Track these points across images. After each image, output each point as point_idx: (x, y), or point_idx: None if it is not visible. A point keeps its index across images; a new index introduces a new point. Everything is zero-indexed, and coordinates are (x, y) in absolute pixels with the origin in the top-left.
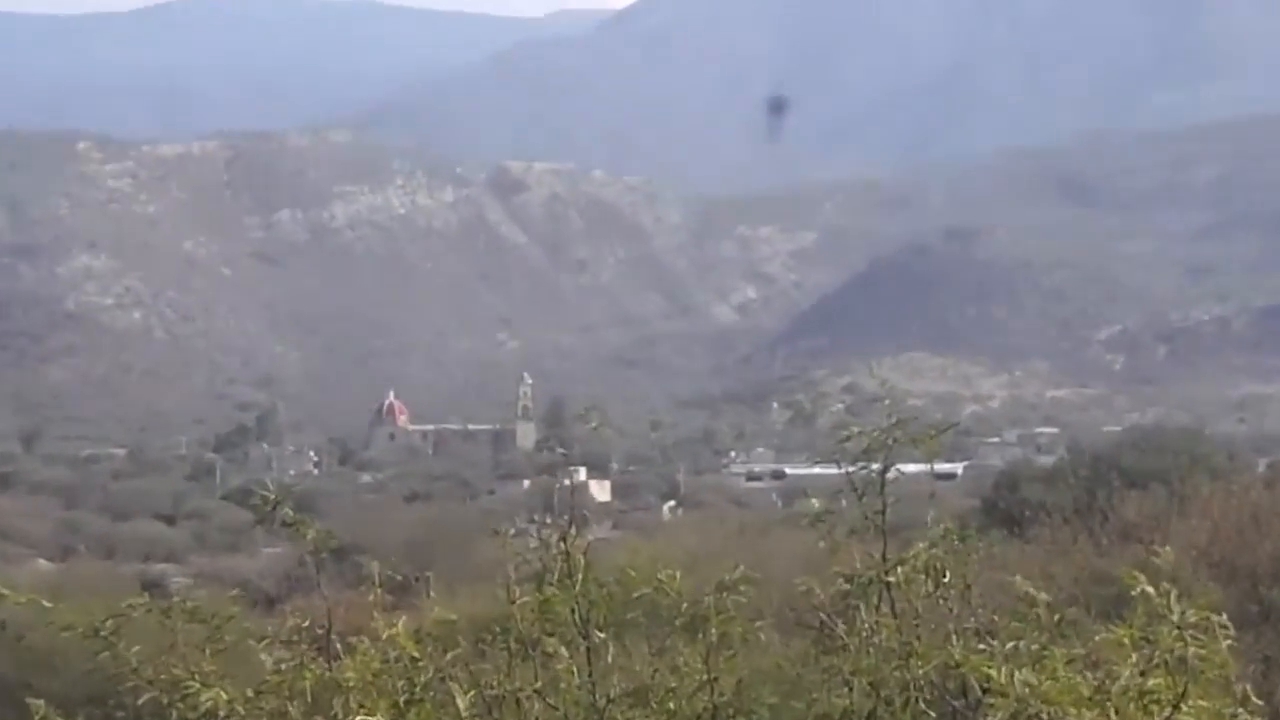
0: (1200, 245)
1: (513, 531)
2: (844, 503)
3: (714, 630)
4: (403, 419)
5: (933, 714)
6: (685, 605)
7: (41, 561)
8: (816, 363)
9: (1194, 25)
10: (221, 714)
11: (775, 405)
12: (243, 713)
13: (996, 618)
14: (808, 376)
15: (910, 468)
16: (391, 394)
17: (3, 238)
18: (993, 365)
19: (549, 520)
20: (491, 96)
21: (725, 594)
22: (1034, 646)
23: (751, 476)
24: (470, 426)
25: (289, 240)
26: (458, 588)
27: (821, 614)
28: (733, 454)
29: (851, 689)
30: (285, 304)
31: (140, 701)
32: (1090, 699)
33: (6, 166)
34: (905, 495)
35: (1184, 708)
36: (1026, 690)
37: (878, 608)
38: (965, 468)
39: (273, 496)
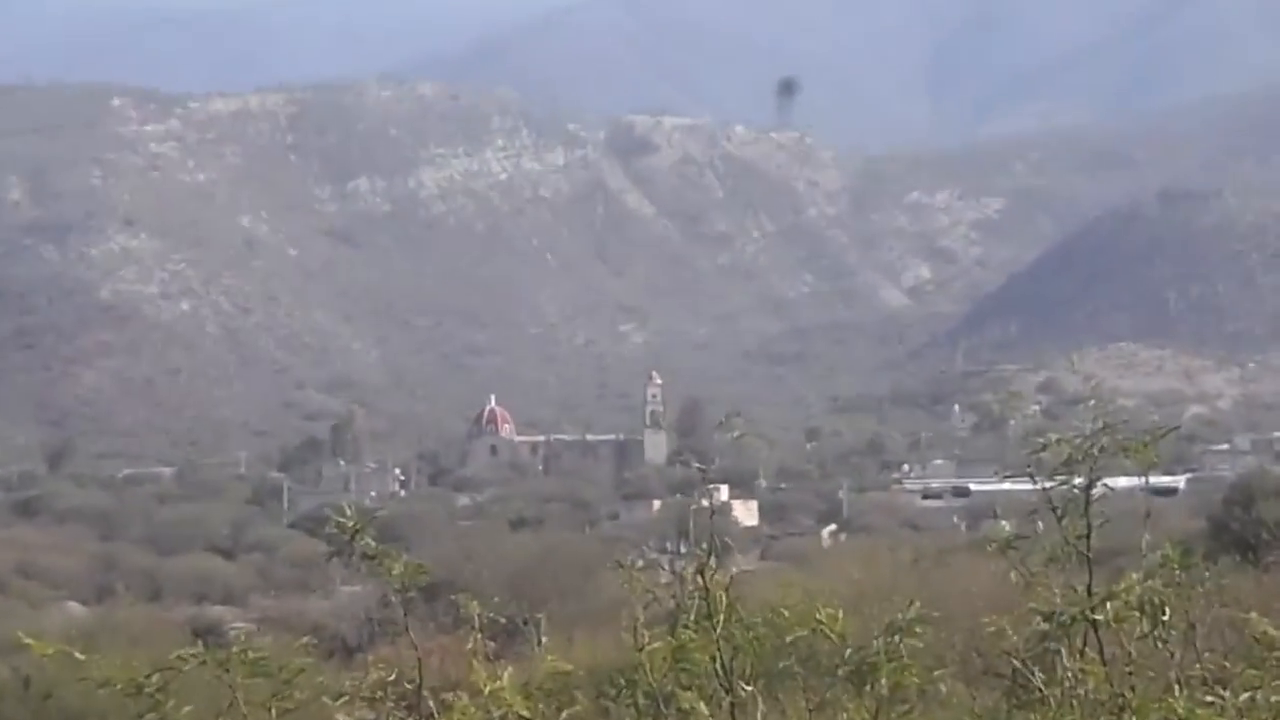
0: None
1: (640, 563)
2: (1041, 525)
3: (884, 681)
4: (506, 429)
5: None
6: (849, 651)
7: (73, 604)
8: (1006, 356)
9: None
10: None
11: (956, 408)
12: None
13: (1228, 663)
14: (995, 373)
15: (1122, 482)
16: (493, 399)
17: (24, 214)
18: (1221, 357)
19: (684, 550)
20: (611, 38)
21: (898, 637)
22: (1275, 698)
23: (928, 494)
24: (588, 437)
25: (367, 214)
26: (574, 632)
27: (1014, 660)
28: (905, 467)
29: None
30: (364, 291)
31: None
32: None
33: (27, 128)
34: (1116, 515)
35: None
36: None
37: (1082, 652)
38: (1189, 481)
39: (352, 523)
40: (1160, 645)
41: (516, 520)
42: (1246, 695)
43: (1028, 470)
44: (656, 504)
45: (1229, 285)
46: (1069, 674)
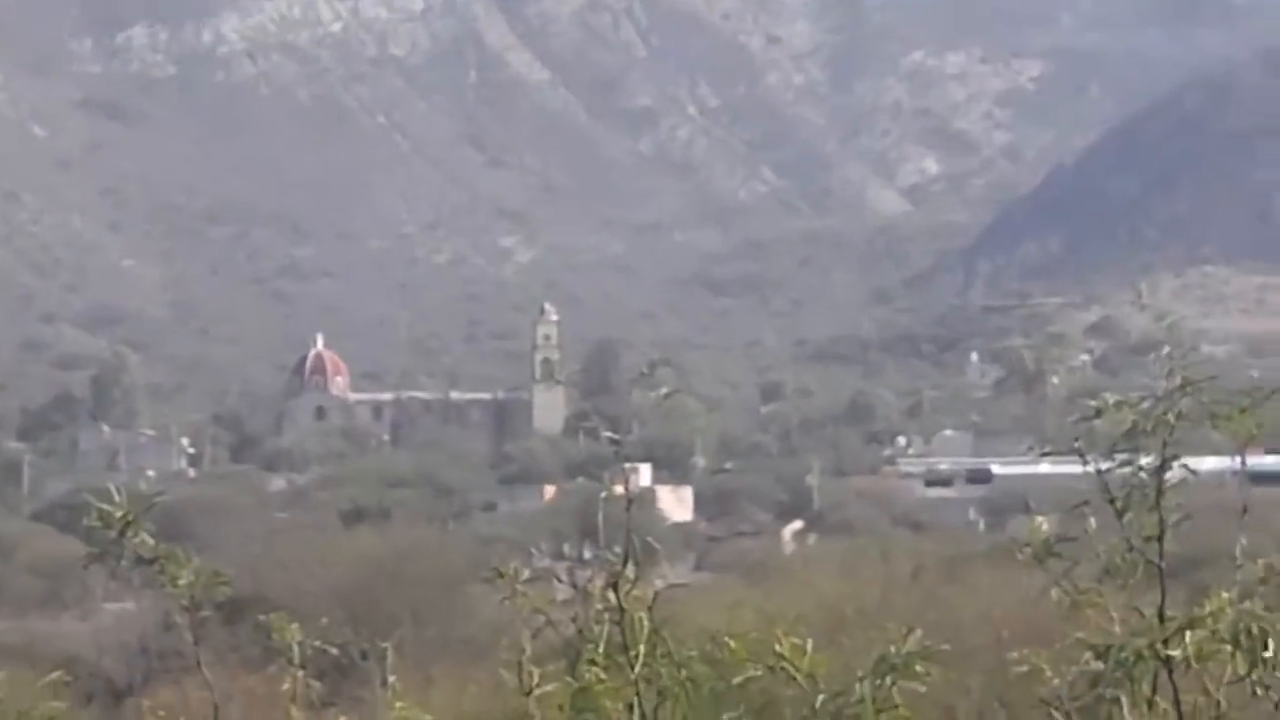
0: None
1: (528, 573)
2: (1092, 523)
3: None
4: (340, 382)
5: None
6: (823, 698)
7: None
8: (1044, 286)
9: None
10: None
11: (974, 358)
12: None
13: None
14: (1029, 308)
15: (1209, 463)
16: (319, 340)
17: None
18: None
19: (589, 554)
20: None
21: (890, 679)
22: None
23: (934, 479)
24: (454, 395)
25: (143, 77)
26: (434, 669)
27: (1056, 713)
28: (902, 441)
29: None
30: (140, 186)
31: None
32: None
33: None
34: (1200, 510)
35: None
36: None
37: (1151, 702)
38: None
39: (122, 512)
40: (1261, 692)
41: (353, 511)
42: None
43: (1074, 446)
44: (550, 490)
45: None
46: None
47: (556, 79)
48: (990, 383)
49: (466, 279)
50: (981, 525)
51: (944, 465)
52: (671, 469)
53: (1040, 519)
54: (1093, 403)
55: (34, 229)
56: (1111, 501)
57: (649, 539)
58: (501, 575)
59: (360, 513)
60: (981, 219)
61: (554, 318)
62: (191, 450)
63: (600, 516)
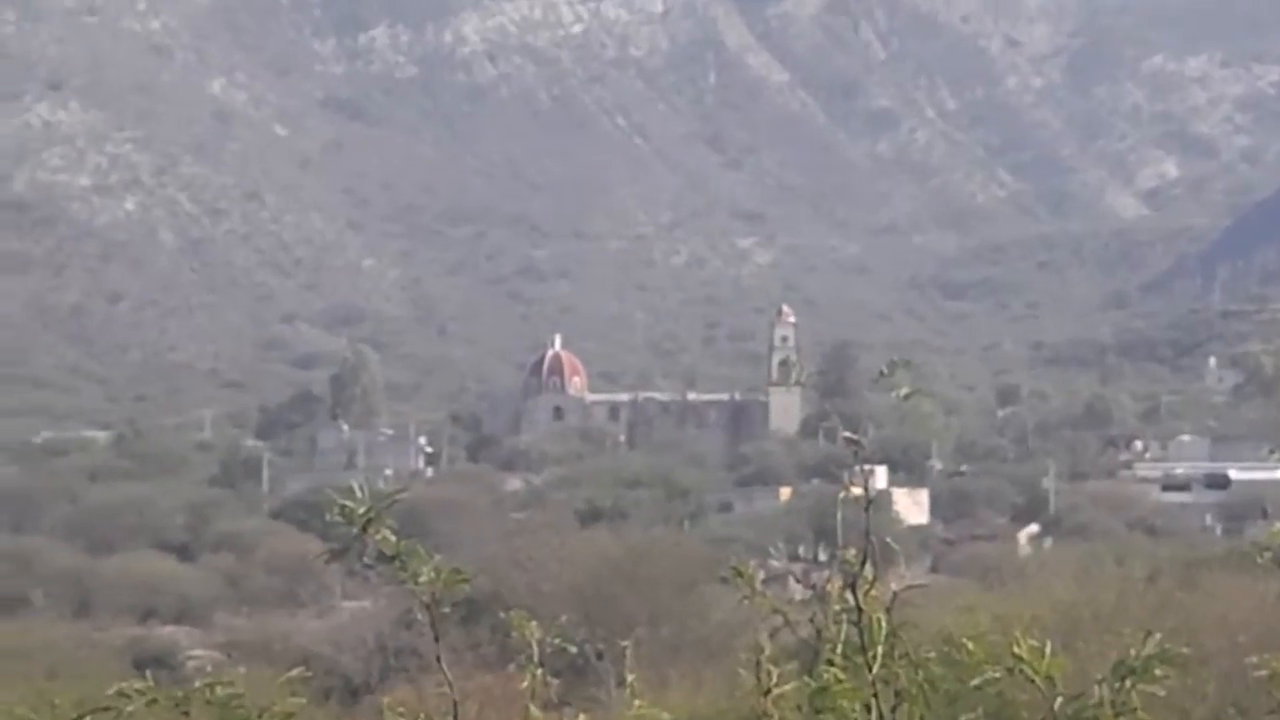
0: None
1: (763, 574)
2: (1275, 531)
3: None
4: (577, 382)
5: None
6: (1061, 701)
7: None
8: None
9: None
10: None
11: (1212, 362)
12: None
13: None
14: (1269, 313)
15: None
16: (557, 340)
17: None
18: None
19: (825, 556)
20: None
21: (1129, 682)
22: None
23: (1171, 484)
24: (691, 396)
25: (385, 78)
26: (670, 669)
27: None
28: (1139, 446)
29: None
30: (379, 187)
31: None
32: None
33: None
34: None
35: None
36: None
37: None
38: None
39: (363, 509)
40: None
41: (589, 512)
42: None
43: None
44: (786, 492)
45: None
46: None
47: (795, 81)
48: (1228, 388)
49: (704, 280)
50: (1218, 530)
51: (1181, 470)
52: (908, 471)
53: (1279, 523)
54: None
55: (274, 228)
56: None
57: (886, 540)
58: (740, 575)
59: (596, 513)
60: (1220, 223)
61: (791, 319)
62: (429, 449)
63: (838, 518)
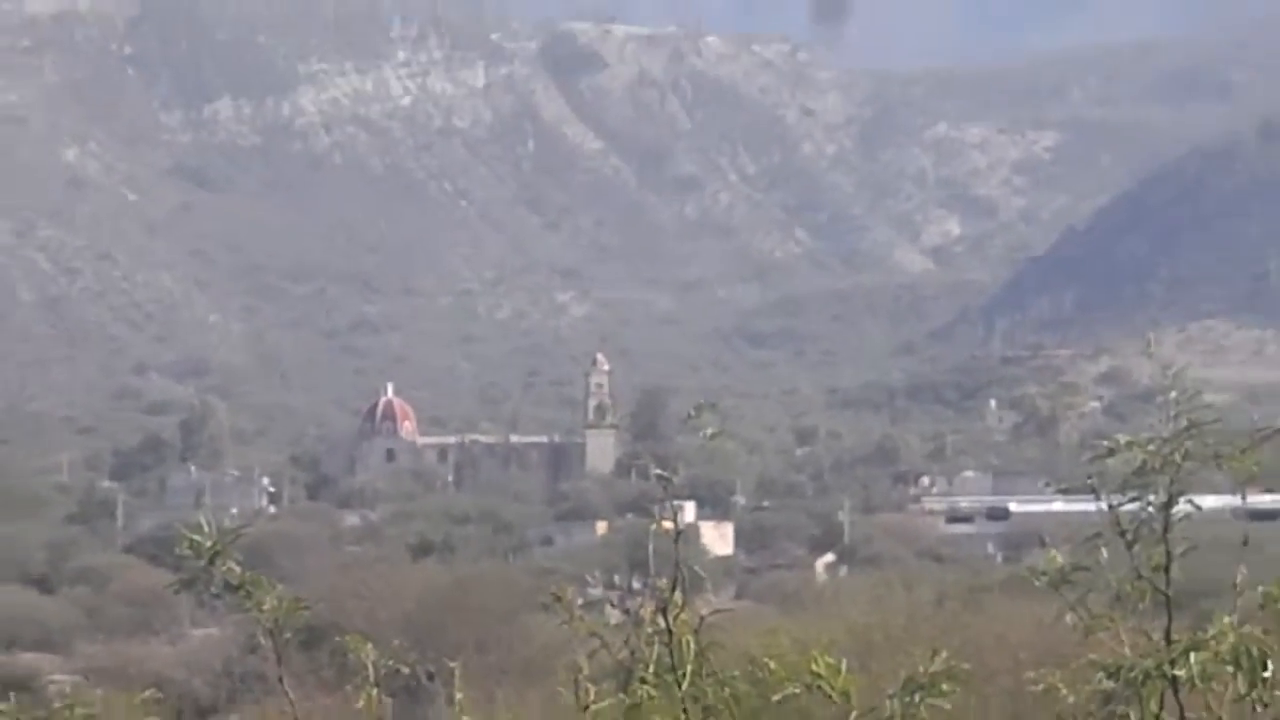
0: None
1: (582, 601)
2: (1105, 554)
3: None
4: (408, 427)
5: None
6: (855, 715)
7: None
8: (1057, 338)
9: None
10: None
11: (992, 404)
12: None
13: None
14: (1043, 359)
15: (1210, 501)
16: (389, 389)
17: None
18: None
19: (638, 585)
20: None
21: (918, 696)
22: None
23: (956, 516)
24: (514, 439)
25: (229, 147)
26: (496, 688)
27: None
28: (926, 481)
29: None
30: (224, 248)
31: None
32: None
33: None
34: (1203, 543)
35: None
36: None
37: (1158, 716)
38: None
39: (210, 543)
40: (1260, 709)
41: (420, 545)
42: None
43: (1088, 483)
44: (602, 526)
45: None
46: None
47: (608, 149)
48: (1008, 428)
49: (525, 332)
50: (999, 558)
51: (965, 503)
52: (714, 506)
53: (1054, 551)
54: (1105, 443)
55: (126, 286)
56: (1122, 534)
57: (694, 569)
58: (559, 600)
59: (427, 547)
60: (999, 277)
61: (605, 367)
62: (272, 489)
63: (650, 549)
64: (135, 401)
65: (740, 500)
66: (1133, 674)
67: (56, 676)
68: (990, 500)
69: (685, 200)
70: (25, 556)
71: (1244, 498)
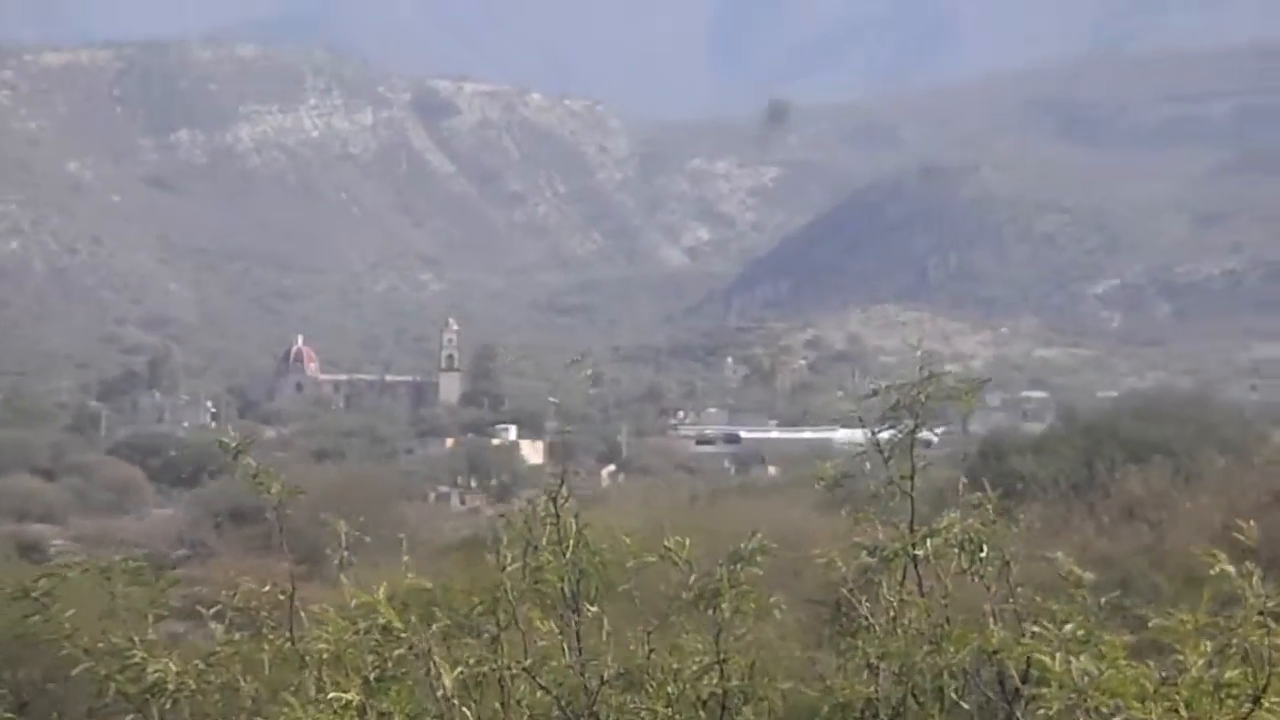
0: (1212, 189)
1: (434, 496)
2: (868, 465)
3: (727, 607)
4: (312, 367)
5: (967, 705)
6: (694, 577)
7: None
8: (776, 314)
9: None
10: (170, 687)
11: (729, 361)
12: (194, 686)
13: (1039, 598)
14: (766, 329)
15: (883, 435)
16: (300, 339)
17: None
18: (974, 321)
19: (475, 483)
20: (419, 5)
21: (740, 565)
22: (1080, 632)
23: (702, 440)
24: (388, 377)
25: (187, 164)
26: (377, 557)
27: (842, 589)
28: (681, 414)
29: (877, 675)
30: (182, 236)
31: (75, 673)
32: (1156, 691)
33: None
34: (929, 459)
35: (1265, 703)
36: (1085, 680)
37: (903, 582)
38: (942, 434)
39: (234, 444)
40: (975, 580)
41: (320, 453)
42: (1070, 626)
43: (855, 417)
44: (449, 441)
45: (984, 254)
46: (893, 605)
47: (459, 172)
48: (740, 378)
49: (397, 302)
50: (733, 472)
51: (708, 431)
52: (531, 429)
53: (828, 463)
54: (874, 387)
55: (111, 262)
56: (880, 452)
57: (514, 475)
58: (462, 488)
59: (324, 454)
60: (736, 270)
61: (455, 328)
62: (213, 410)
63: (487, 460)
64: (116, 345)
65: (550, 425)
66: (885, 552)
67: (56, 541)
68: (727, 429)
69: (513, 210)
70: (34, 454)
71: (966, 425)
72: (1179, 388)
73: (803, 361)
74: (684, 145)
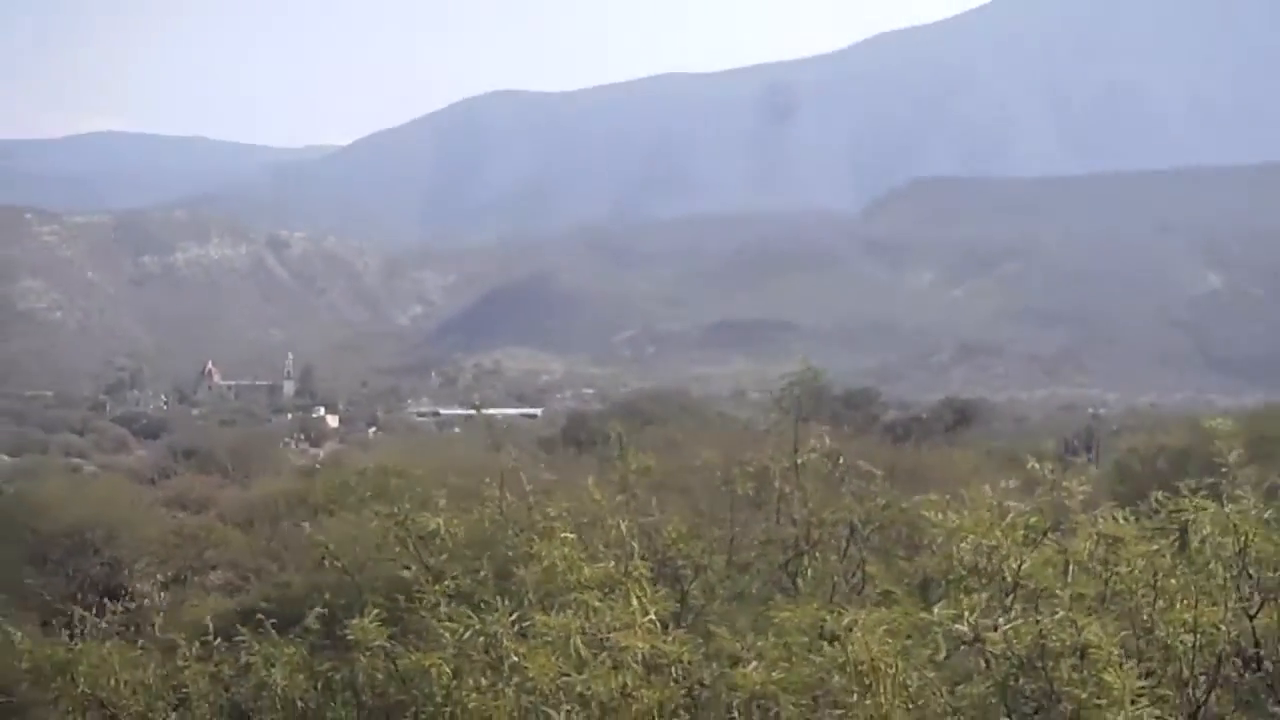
0: (676, 287)
1: (285, 443)
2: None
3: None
4: (216, 377)
5: None
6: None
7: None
8: (458, 351)
9: None
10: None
11: (434, 374)
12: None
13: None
14: (453, 358)
15: (512, 411)
16: (210, 362)
17: None
18: (557, 353)
19: (304, 437)
20: (269, 195)
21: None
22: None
23: (420, 415)
24: (257, 382)
25: (150, 274)
26: (268, 473)
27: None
28: (409, 401)
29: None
30: (149, 311)
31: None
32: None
33: None
34: (509, 429)
35: None
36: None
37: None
38: (543, 412)
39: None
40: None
41: (222, 422)
42: None
43: (474, 403)
44: (289, 415)
45: (562, 319)
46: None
47: (294, 278)
48: (439, 383)
49: (264, 342)
50: (438, 430)
51: (424, 410)
52: (332, 408)
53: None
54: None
55: (111, 324)
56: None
57: (322, 432)
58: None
59: (225, 423)
60: (437, 328)
61: (291, 358)
62: (165, 401)
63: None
64: (113, 366)
65: (341, 406)
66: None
67: (89, 468)
68: (433, 409)
69: (320, 298)
70: (71, 423)
71: (478, 407)
72: (662, 389)
73: (471, 375)
74: (411, 263)
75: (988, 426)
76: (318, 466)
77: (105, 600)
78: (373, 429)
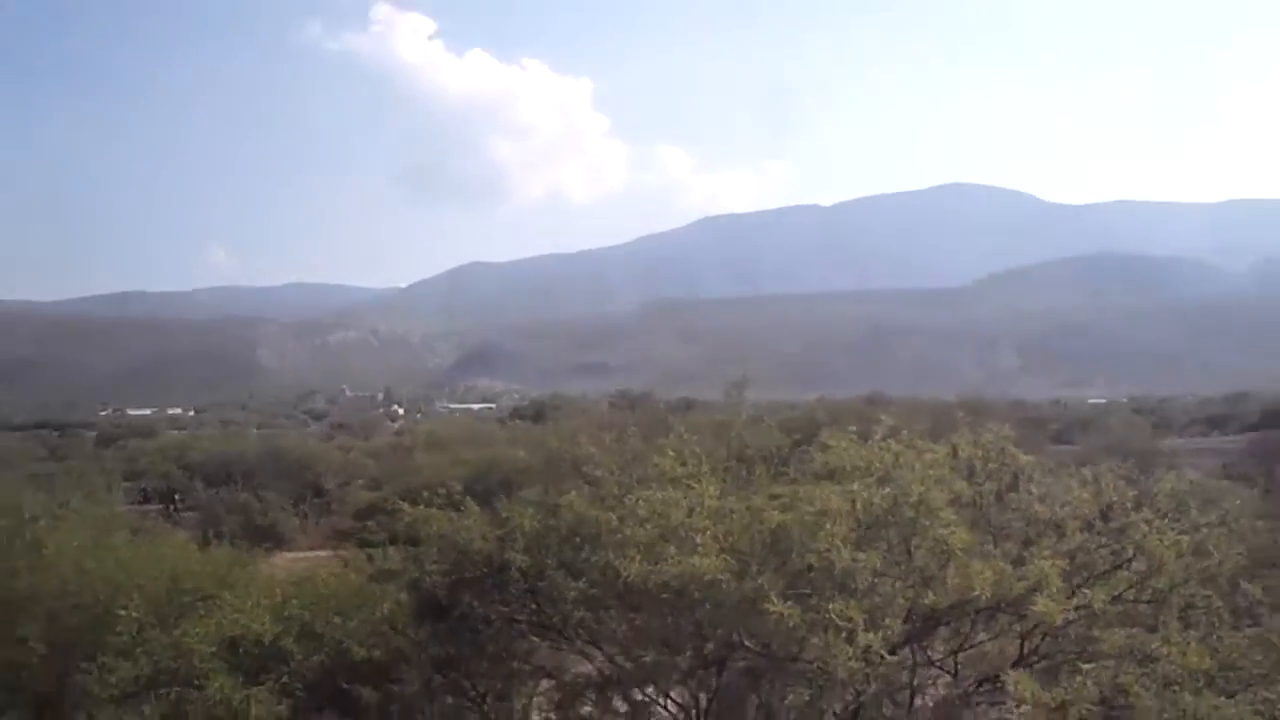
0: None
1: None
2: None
3: None
4: (348, 393)
5: None
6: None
7: None
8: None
9: None
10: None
11: (445, 389)
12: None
13: None
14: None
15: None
16: (346, 387)
17: None
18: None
19: (389, 419)
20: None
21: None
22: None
23: (444, 407)
24: (363, 394)
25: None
26: None
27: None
28: (436, 404)
29: None
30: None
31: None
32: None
33: None
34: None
35: None
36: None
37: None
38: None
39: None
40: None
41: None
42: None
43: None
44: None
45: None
46: None
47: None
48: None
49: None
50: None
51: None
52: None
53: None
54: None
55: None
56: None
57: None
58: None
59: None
60: (449, 363)
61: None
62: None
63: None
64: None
65: (403, 405)
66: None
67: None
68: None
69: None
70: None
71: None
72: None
73: (463, 390)
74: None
75: None
76: (397, 433)
77: (315, 497)
78: (419, 414)
